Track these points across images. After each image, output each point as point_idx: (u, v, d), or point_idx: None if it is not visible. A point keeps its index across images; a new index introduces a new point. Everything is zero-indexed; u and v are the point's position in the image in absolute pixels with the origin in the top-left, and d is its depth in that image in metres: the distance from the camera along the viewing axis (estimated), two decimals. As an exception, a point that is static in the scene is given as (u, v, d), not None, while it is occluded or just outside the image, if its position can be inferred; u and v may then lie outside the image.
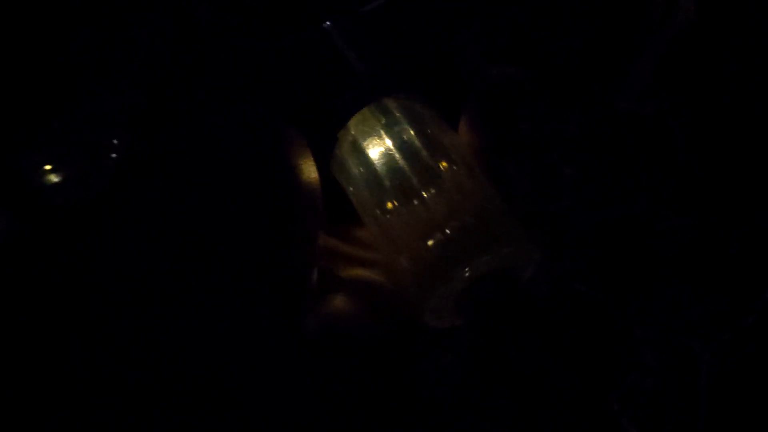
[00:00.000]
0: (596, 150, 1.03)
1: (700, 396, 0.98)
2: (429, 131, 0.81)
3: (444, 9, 1.08)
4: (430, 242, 0.75)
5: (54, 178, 0.82)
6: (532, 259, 0.79)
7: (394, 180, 0.78)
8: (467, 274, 0.74)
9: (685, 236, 1.01)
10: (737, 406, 0.98)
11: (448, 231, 0.75)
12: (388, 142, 0.79)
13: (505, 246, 0.74)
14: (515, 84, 1.09)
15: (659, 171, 1.00)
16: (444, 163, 0.79)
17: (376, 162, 0.79)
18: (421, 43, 1.04)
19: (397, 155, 0.78)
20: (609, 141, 1.01)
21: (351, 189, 0.82)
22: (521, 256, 0.77)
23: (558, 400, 0.93)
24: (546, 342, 1.00)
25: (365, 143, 0.81)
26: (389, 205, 0.78)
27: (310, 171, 0.82)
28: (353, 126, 0.82)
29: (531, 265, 0.80)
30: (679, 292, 1.02)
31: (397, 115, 0.82)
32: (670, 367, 1.00)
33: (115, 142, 0.83)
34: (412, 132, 0.80)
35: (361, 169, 0.80)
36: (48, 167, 0.83)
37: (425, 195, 0.77)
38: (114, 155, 0.83)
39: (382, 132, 0.80)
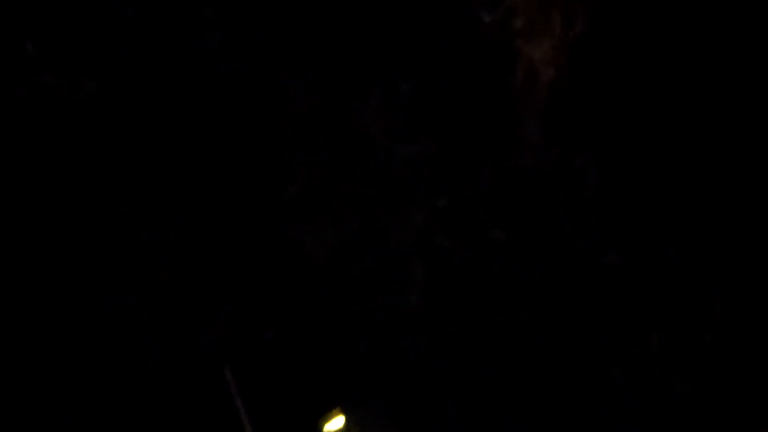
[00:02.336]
0: (517, 206, 1.02)
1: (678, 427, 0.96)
2: None
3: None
4: None
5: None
6: None
7: None
8: None
9: (625, 269, 1.00)
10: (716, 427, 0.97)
11: None
12: None
13: None
14: (424, 159, 1.09)
15: (579, 214, 1.00)
16: None
17: None
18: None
19: None
20: (526, 195, 1.00)
21: None
22: None
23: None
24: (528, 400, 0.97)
25: None
26: None
27: None
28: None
29: None
30: (638, 324, 1.01)
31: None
32: (650, 407, 0.98)
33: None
34: None
35: None
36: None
37: None
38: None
39: None
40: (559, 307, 1.02)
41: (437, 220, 1.06)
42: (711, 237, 1.00)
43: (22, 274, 0.99)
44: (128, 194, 1.02)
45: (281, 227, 1.10)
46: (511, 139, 1.00)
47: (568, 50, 0.96)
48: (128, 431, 0.98)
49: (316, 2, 1.06)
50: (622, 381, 1.00)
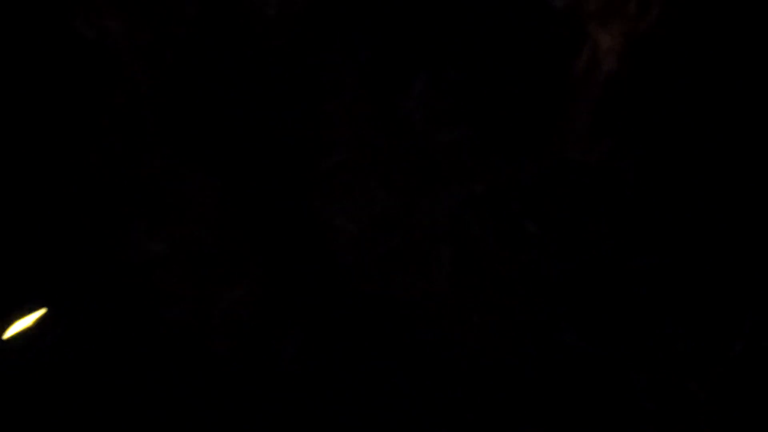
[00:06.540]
0: (554, 200, 1.02)
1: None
2: None
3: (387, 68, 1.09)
4: None
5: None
6: None
7: None
8: None
9: (657, 274, 1.00)
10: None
11: None
12: None
13: None
14: (464, 145, 1.10)
15: (617, 214, 1.01)
16: None
17: None
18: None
19: None
20: (564, 190, 1.01)
21: None
22: None
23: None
24: (543, 399, 0.98)
25: None
26: None
27: None
28: None
29: None
30: (665, 329, 1.01)
31: None
32: (669, 409, 0.99)
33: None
34: None
35: None
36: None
37: None
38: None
39: None
40: (583, 306, 1.02)
41: (471, 207, 1.07)
42: (749, 250, 1.00)
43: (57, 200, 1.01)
44: (169, 145, 1.02)
45: (312, 199, 1.10)
46: (557, 132, 0.99)
47: (637, 40, 0.95)
48: (138, 375, 0.99)
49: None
50: (640, 383, 1.00)
